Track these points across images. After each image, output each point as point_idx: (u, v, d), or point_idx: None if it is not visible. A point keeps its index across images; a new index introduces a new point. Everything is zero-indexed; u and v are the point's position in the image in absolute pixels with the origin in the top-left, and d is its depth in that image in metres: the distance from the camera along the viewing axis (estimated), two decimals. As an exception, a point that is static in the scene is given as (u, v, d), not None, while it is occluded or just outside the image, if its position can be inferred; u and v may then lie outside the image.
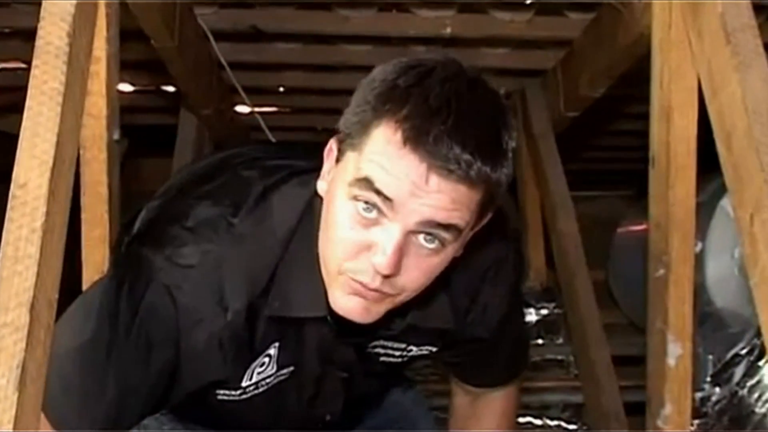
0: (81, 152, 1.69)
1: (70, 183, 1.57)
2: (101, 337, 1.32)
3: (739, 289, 3.02)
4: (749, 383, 3.13)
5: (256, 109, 3.51)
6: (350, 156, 1.20)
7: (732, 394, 3.14)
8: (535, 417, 3.50)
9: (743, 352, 3.14)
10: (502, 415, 1.79)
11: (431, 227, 1.18)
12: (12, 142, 1.47)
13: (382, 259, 1.17)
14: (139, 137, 3.71)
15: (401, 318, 1.38)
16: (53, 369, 1.31)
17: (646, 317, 1.90)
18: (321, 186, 1.29)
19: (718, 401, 3.15)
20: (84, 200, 1.75)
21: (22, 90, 1.54)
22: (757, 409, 3.10)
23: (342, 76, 3.36)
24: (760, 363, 3.12)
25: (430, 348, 1.53)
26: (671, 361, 1.78)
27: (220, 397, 1.45)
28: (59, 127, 1.48)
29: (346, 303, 1.25)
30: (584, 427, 3.60)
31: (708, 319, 3.15)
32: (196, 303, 1.29)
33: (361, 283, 1.21)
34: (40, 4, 1.56)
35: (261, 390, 1.45)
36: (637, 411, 2.14)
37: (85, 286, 1.77)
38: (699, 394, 3.12)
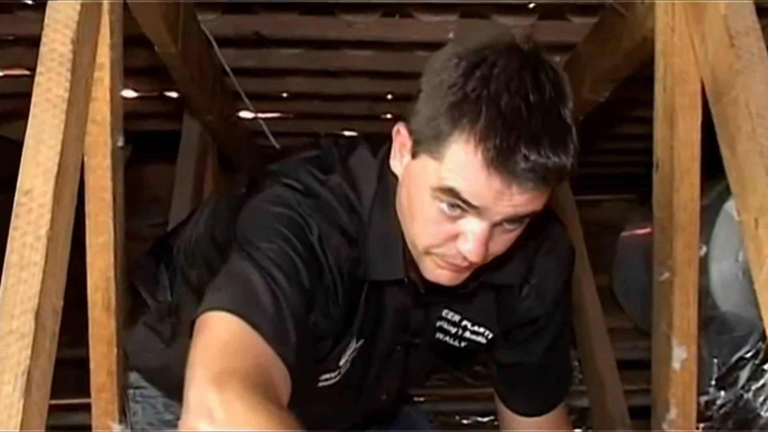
0: (85, 159, 1.69)
1: (75, 190, 1.57)
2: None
3: (744, 293, 3.01)
4: (754, 386, 3.12)
5: (260, 115, 3.51)
6: (429, 161, 1.27)
7: (737, 397, 3.13)
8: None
9: (748, 355, 3.13)
10: None
11: (514, 218, 1.29)
12: (15, 148, 1.47)
13: (471, 251, 1.29)
14: (142, 143, 3.72)
15: (476, 276, 1.45)
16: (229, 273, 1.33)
17: (650, 321, 1.90)
18: (395, 166, 1.38)
19: (723, 405, 3.15)
20: (88, 207, 1.75)
21: (25, 97, 1.54)
22: (762, 413, 3.10)
23: (345, 81, 3.36)
24: (765, 366, 3.12)
25: (483, 329, 1.61)
26: (676, 364, 1.78)
27: (320, 383, 1.52)
28: (63, 134, 1.49)
29: (438, 274, 1.36)
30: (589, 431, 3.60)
31: (712, 323, 3.15)
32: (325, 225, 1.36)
33: (451, 263, 1.33)
34: (43, 12, 1.57)
35: (347, 369, 1.53)
36: (642, 415, 2.14)
37: (90, 293, 1.77)
38: (704, 398, 3.12)
